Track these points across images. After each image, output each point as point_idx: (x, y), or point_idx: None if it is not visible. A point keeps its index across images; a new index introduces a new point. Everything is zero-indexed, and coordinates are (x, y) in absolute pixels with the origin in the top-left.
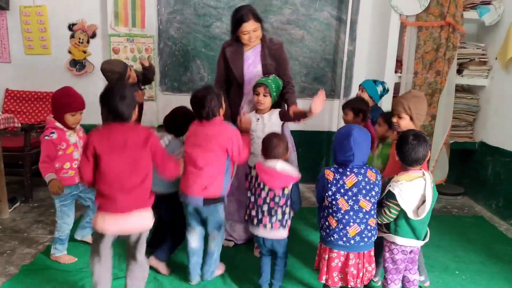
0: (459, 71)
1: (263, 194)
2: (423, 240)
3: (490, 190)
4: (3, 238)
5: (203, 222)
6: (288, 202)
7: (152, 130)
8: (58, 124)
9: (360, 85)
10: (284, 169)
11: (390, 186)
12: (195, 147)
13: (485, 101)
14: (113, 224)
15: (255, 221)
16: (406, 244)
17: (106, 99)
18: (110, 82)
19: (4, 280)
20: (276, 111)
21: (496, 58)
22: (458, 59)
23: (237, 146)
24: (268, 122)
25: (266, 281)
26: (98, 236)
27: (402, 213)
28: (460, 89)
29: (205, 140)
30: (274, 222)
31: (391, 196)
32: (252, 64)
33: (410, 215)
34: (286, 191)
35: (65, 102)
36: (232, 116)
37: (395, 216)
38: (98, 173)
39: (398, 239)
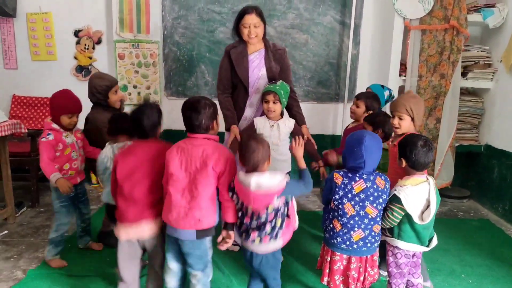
0: (464, 74)
1: (249, 212)
2: (428, 246)
3: (496, 193)
4: (10, 243)
5: (183, 259)
6: (279, 214)
7: (167, 146)
8: (54, 126)
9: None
10: (261, 187)
11: (396, 190)
12: (186, 171)
13: (490, 104)
14: (124, 232)
15: (244, 235)
16: (409, 248)
17: (134, 116)
18: (92, 91)
19: (11, 284)
20: (293, 122)
21: (500, 61)
22: (462, 62)
23: (228, 174)
24: (284, 128)
25: None
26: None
27: (406, 218)
28: (464, 92)
29: (198, 162)
30: (263, 237)
31: (396, 200)
32: (256, 68)
33: (416, 219)
34: (271, 209)
35: (62, 104)
36: (237, 118)
37: (398, 221)
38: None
39: (401, 244)
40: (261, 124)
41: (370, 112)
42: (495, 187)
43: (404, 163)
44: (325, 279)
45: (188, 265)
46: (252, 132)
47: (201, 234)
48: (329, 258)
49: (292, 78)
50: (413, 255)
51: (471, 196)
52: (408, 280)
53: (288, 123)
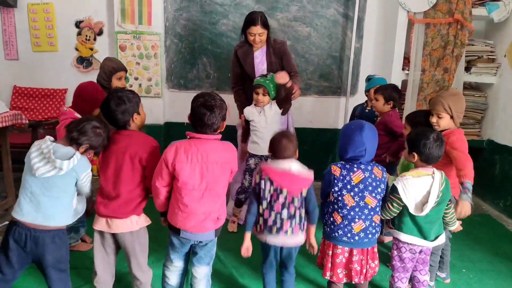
0: (467, 69)
1: (281, 198)
2: (432, 241)
3: (497, 189)
4: None
5: (187, 256)
6: (304, 204)
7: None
8: (77, 115)
9: (374, 92)
10: (300, 170)
11: (395, 180)
12: (203, 178)
13: (493, 99)
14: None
15: (275, 229)
16: (410, 241)
17: (102, 105)
18: (100, 71)
19: None
20: (274, 102)
21: (504, 56)
22: (466, 56)
23: (236, 167)
24: (269, 112)
25: None
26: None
27: (406, 209)
28: (468, 86)
29: (216, 167)
30: (294, 227)
31: (395, 190)
32: (260, 62)
33: (412, 210)
34: (304, 193)
35: (100, 98)
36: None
37: (398, 211)
38: None
39: (402, 236)
40: (250, 112)
41: (390, 102)
42: (496, 183)
43: (416, 157)
44: (328, 273)
45: (196, 260)
46: (283, 131)
47: (218, 230)
48: (330, 252)
49: (294, 63)
50: (420, 251)
51: (472, 191)
52: (415, 276)
53: (273, 107)
